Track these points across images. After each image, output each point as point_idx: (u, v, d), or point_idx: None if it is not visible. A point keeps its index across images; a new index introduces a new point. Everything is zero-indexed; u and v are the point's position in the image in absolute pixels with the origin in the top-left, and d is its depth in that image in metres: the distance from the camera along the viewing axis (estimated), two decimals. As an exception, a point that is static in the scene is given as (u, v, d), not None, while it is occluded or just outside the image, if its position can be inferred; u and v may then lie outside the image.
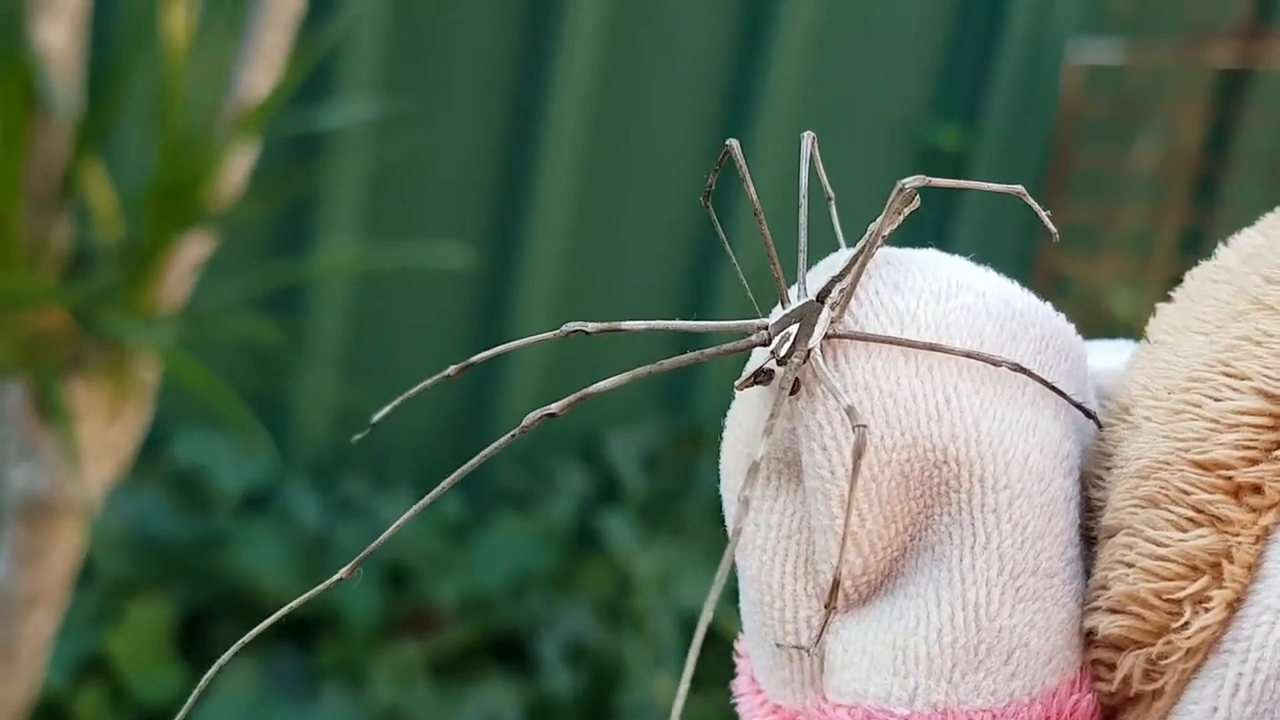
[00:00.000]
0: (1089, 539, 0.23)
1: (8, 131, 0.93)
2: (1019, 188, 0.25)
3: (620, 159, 1.71)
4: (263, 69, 1.01)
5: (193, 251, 1.04)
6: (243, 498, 1.72)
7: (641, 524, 1.80)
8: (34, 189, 0.98)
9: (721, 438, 0.24)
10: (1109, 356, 0.25)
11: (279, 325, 1.53)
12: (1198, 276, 0.24)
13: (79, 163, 0.98)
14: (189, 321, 1.04)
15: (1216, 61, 1.67)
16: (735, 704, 0.25)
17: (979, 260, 0.24)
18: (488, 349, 0.25)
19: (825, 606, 0.22)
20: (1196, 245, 1.76)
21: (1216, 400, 0.21)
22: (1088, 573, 0.22)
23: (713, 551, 1.77)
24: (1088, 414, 0.23)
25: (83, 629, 1.54)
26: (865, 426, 0.21)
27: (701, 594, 1.71)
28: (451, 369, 0.27)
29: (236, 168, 1.02)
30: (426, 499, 0.26)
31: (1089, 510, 0.23)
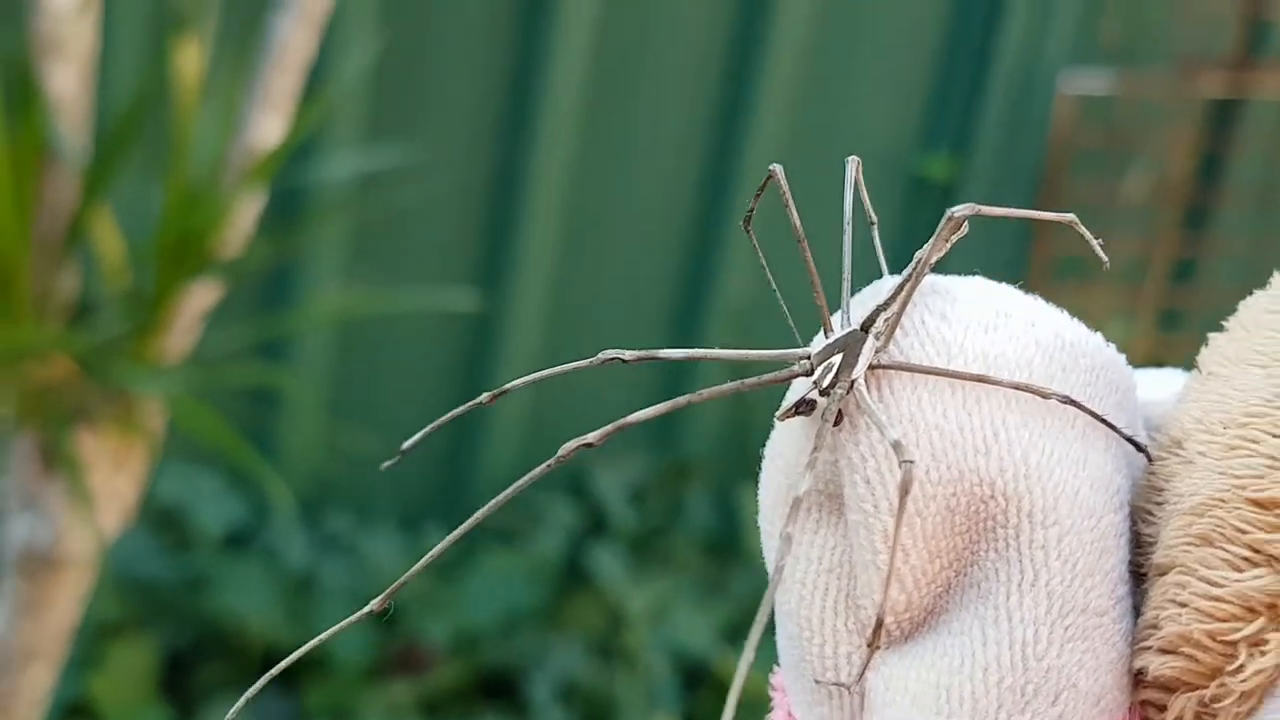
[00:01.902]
0: (1138, 575, 0.23)
1: (19, 180, 0.94)
2: (1071, 216, 0.25)
3: (606, 198, 1.73)
4: (272, 114, 1.02)
5: (199, 300, 1.05)
6: (225, 536, 1.73)
7: (631, 559, 1.82)
8: (41, 237, 0.99)
9: (760, 469, 0.24)
10: (1157, 387, 0.25)
11: (264, 364, 1.54)
12: (1252, 306, 0.24)
13: (87, 210, 0.99)
14: (196, 369, 1.05)
15: (1207, 91, 1.71)
16: None
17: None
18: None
19: (867, 644, 0.22)
20: (1189, 275, 1.79)
21: (1275, 436, 0.21)
22: (1137, 610, 0.22)
23: (704, 585, 1.78)
24: (1138, 448, 0.23)
25: (65, 672, 1.54)
26: (911, 461, 0.21)
27: (693, 630, 1.72)
28: (485, 396, 0.27)
29: (244, 216, 1.04)
30: (462, 528, 0.25)
31: (1138, 546, 0.22)
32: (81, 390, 1.02)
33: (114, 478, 1.06)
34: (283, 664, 0.25)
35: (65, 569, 1.05)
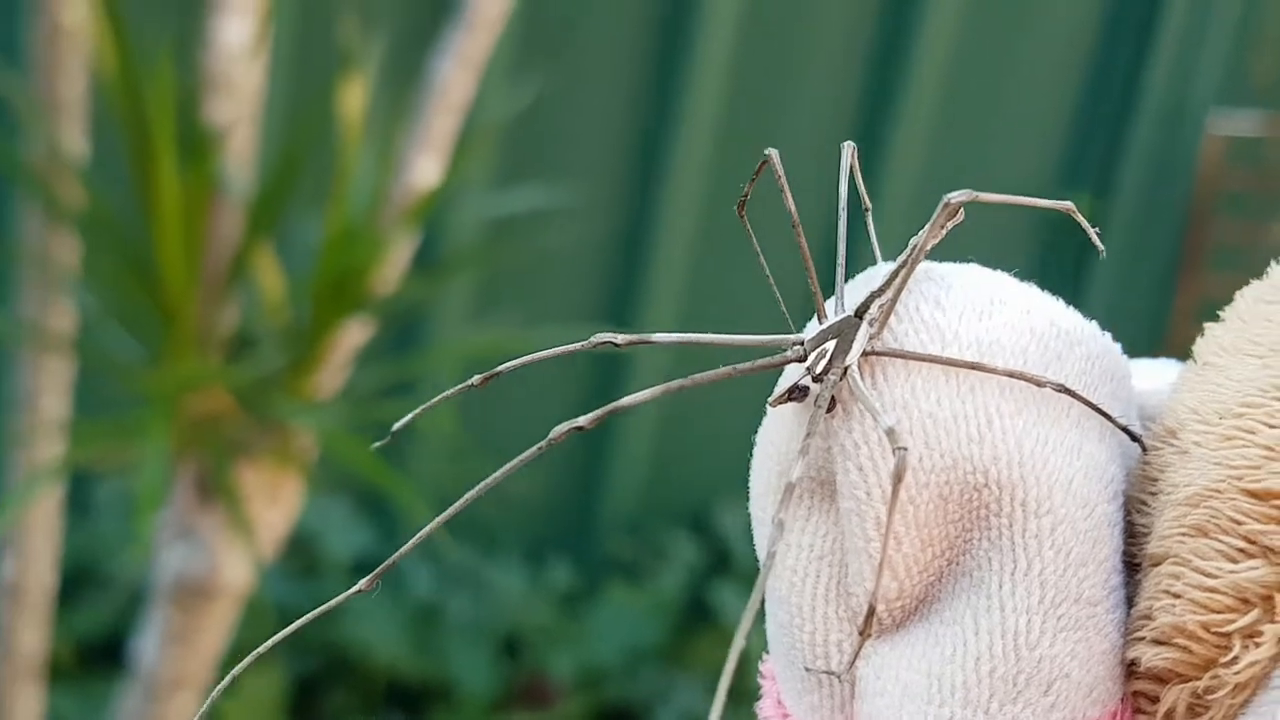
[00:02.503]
0: (1132, 566, 0.22)
1: (189, 216, 0.96)
2: (1068, 204, 0.25)
3: (738, 242, 1.73)
4: (430, 155, 1.04)
5: (353, 337, 1.07)
6: (353, 564, 1.75)
7: (755, 597, 1.81)
8: (205, 272, 1.01)
9: (751, 456, 0.24)
10: (1152, 377, 0.25)
11: (399, 401, 1.56)
12: (1249, 296, 0.24)
13: (250, 247, 1.01)
14: (347, 405, 1.07)
15: (1361, 134, 1.68)
16: None
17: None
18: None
19: (859, 632, 0.22)
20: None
21: (1271, 427, 0.21)
22: (1130, 601, 0.22)
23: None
24: (1133, 437, 0.23)
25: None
26: (905, 449, 0.21)
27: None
28: (476, 379, 0.27)
29: (398, 256, 1.05)
30: (449, 511, 0.26)
31: (1132, 537, 0.22)
32: (239, 423, 1.04)
33: (268, 510, 1.08)
34: (284, 632, 0.26)
35: (217, 599, 1.08)
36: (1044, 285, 0.25)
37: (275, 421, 1.03)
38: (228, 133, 1.01)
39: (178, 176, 0.96)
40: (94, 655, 1.57)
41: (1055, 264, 1.76)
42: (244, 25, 0.99)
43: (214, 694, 0.25)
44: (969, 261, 0.24)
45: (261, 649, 0.26)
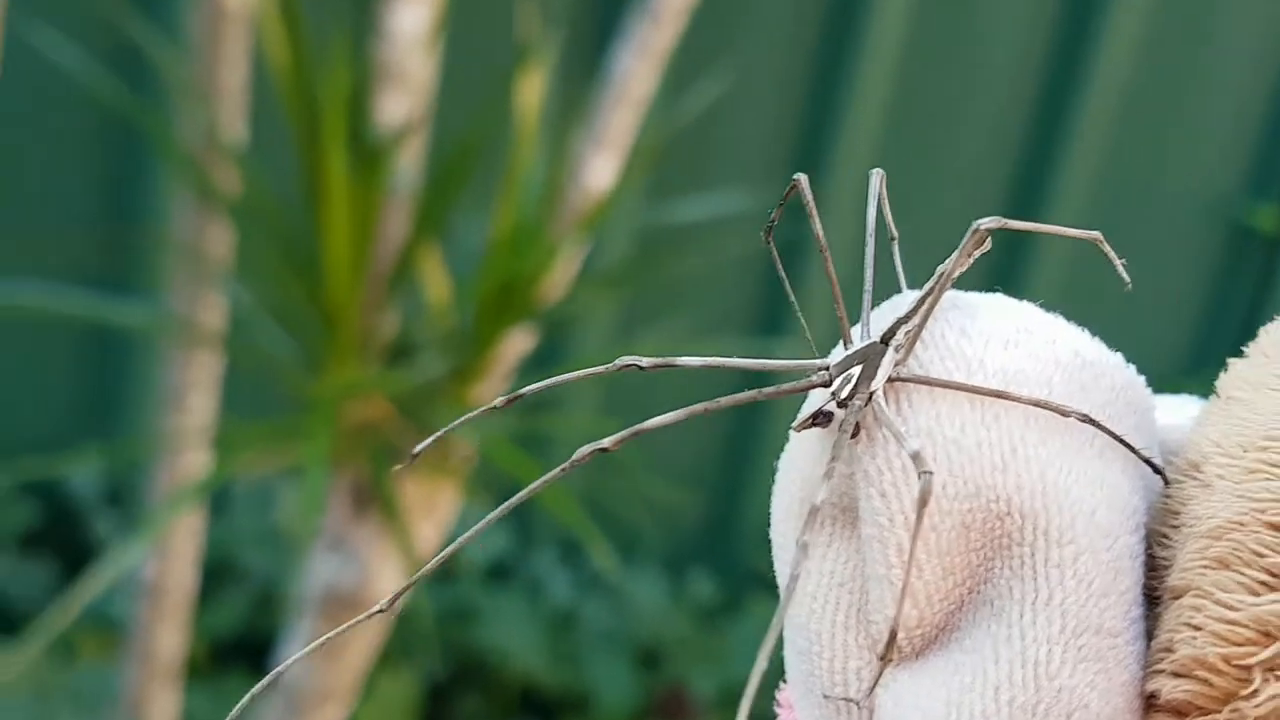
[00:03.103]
0: (1152, 599, 0.22)
1: (358, 214, 0.92)
2: (1096, 234, 0.24)
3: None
4: (607, 155, 0.99)
5: (516, 346, 1.02)
6: (489, 567, 1.71)
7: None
8: (369, 272, 0.97)
9: (774, 480, 0.24)
10: (1175, 412, 0.24)
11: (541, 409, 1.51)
12: (1273, 332, 0.24)
13: (417, 248, 0.97)
14: (508, 414, 1.03)
15: None
16: None
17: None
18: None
19: (879, 659, 0.22)
20: None
21: None
22: (1150, 634, 0.22)
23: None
24: (1156, 469, 0.23)
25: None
26: (929, 474, 0.21)
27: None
28: (499, 400, 0.28)
29: (570, 260, 1.01)
30: (486, 521, 0.26)
31: (1153, 569, 0.22)
32: (398, 431, 1.00)
33: (424, 521, 1.03)
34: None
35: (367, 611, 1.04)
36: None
37: (435, 431, 0.99)
38: (400, 127, 0.97)
39: (347, 172, 0.91)
40: (228, 653, 1.54)
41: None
42: (419, 14, 0.95)
43: None
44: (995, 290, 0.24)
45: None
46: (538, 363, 1.12)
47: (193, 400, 1.16)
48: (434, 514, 1.05)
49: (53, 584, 1.50)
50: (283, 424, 0.96)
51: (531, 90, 0.97)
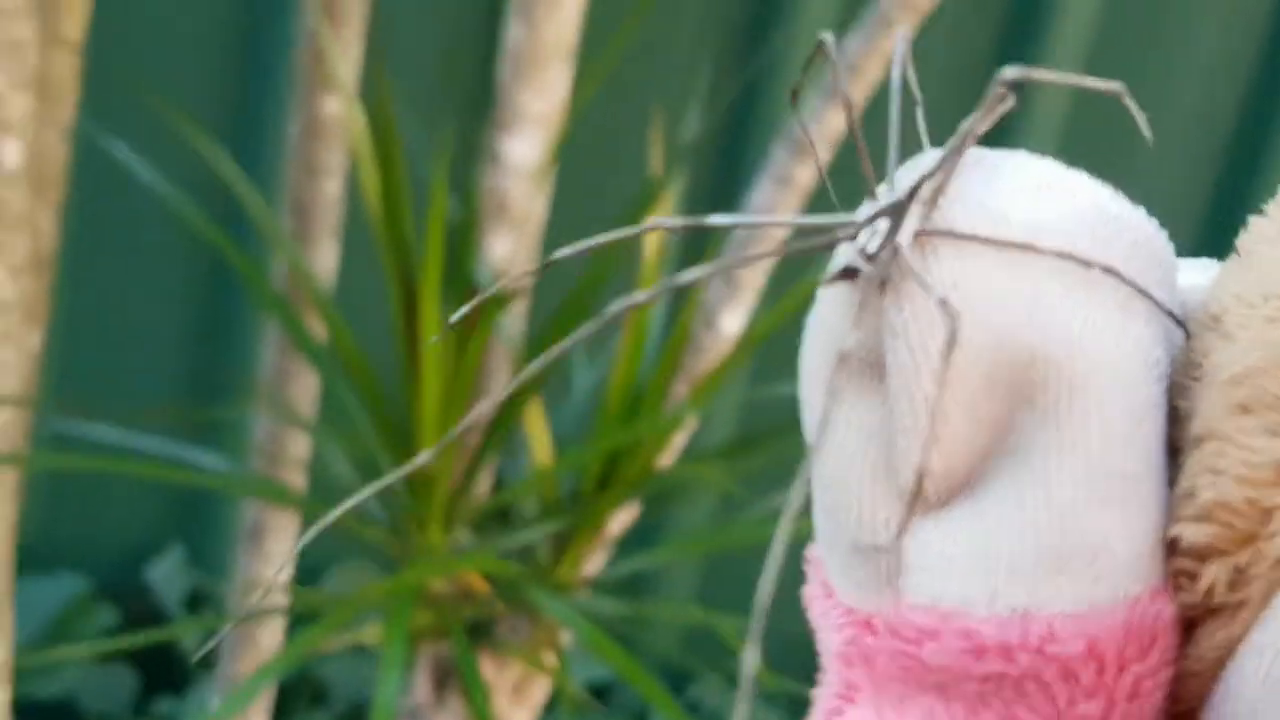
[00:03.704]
0: (1174, 450, 0.23)
1: (455, 365, 0.83)
2: (1118, 86, 0.24)
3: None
4: (739, 308, 0.89)
5: (621, 520, 0.92)
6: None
7: None
8: (466, 431, 0.87)
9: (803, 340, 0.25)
10: (1195, 273, 0.24)
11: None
12: None
13: (518, 401, 0.87)
14: (605, 595, 0.92)
15: None
16: (807, 610, 0.25)
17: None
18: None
19: (906, 508, 0.23)
20: None
21: None
22: (1172, 482, 0.23)
23: None
24: (1178, 321, 0.23)
25: None
26: (956, 322, 0.21)
27: None
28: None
29: (689, 427, 0.90)
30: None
31: (1175, 420, 0.23)
32: (489, 608, 0.89)
33: (512, 709, 0.93)
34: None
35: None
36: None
37: (530, 610, 0.88)
38: (501, 264, 0.88)
39: (440, 309, 0.82)
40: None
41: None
42: (532, 142, 0.86)
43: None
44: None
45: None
46: (638, 538, 1.02)
47: (272, 545, 1.07)
48: (524, 702, 0.94)
49: (133, 697, 1.42)
50: (363, 595, 0.86)
51: (653, 238, 0.88)
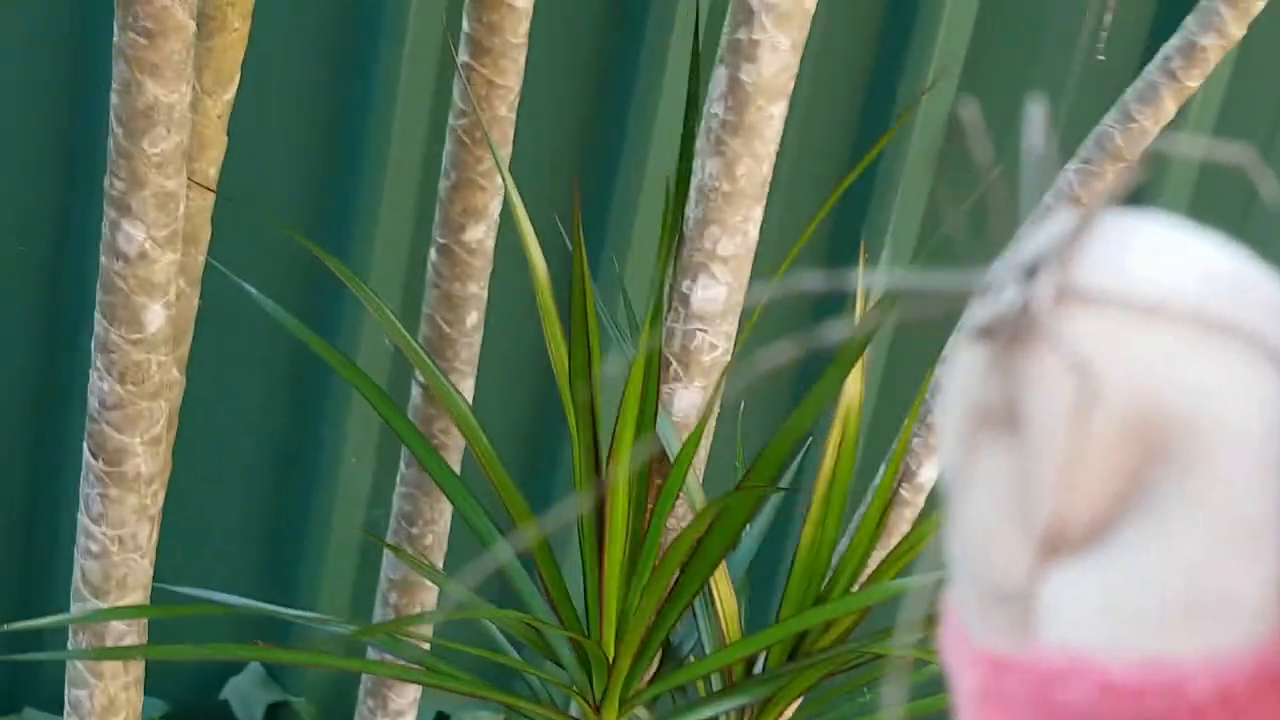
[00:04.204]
0: None
1: (642, 532, 0.74)
2: (1245, 154, 0.25)
3: None
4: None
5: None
6: None
7: None
8: (644, 603, 0.79)
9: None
10: None
11: None
12: None
13: (699, 564, 0.78)
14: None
15: None
16: (941, 654, 0.25)
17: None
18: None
19: (1039, 555, 0.23)
20: None
21: None
22: None
23: None
24: None
25: None
26: (1091, 381, 0.22)
27: None
28: None
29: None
30: None
31: None
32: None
33: None
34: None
35: None
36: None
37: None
38: (684, 419, 0.79)
39: (631, 483, 0.74)
40: None
41: None
42: (722, 285, 0.78)
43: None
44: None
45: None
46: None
47: (396, 701, 0.99)
48: None
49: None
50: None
51: (855, 382, 0.79)
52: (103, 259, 0.69)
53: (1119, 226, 0.24)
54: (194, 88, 0.70)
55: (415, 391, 0.95)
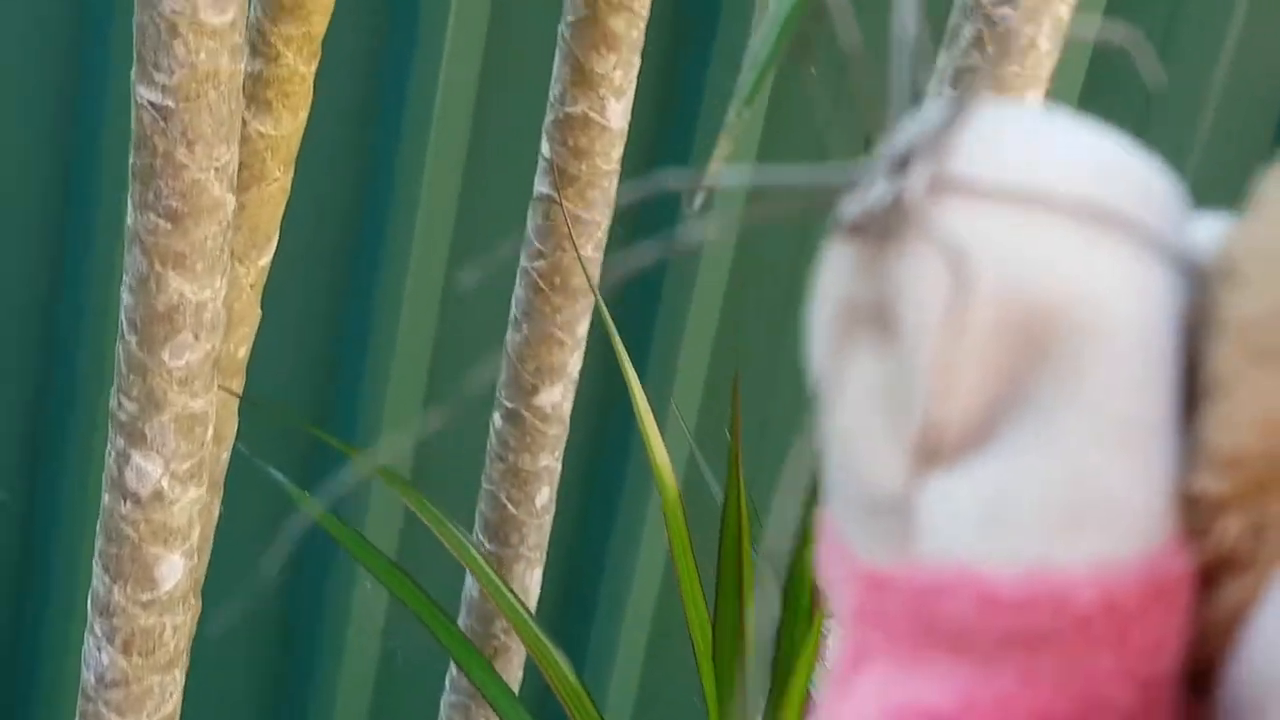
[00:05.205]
0: (1191, 402, 0.22)
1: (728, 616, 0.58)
2: (1129, 33, 0.25)
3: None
4: None
5: None
6: None
7: None
8: None
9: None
10: (1213, 226, 0.24)
11: None
12: None
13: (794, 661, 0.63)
14: None
15: None
16: (819, 570, 0.25)
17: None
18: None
19: (917, 462, 0.22)
20: None
21: None
22: (1188, 433, 0.22)
23: None
24: (1191, 271, 0.23)
25: None
26: (965, 276, 0.22)
27: None
28: None
29: None
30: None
31: (1191, 372, 0.22)
32: None
33: None
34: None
35: None
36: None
37: None
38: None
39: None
40: None
41: None
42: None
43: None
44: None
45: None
46: None
47: None
48: None
49: None
50: None
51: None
52: (105, 497, 0.53)
53: (995, 115, 0.23)
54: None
55: (469, 583, 0.79)
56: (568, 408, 0.77)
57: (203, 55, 0.48)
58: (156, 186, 0.49)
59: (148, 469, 0.52)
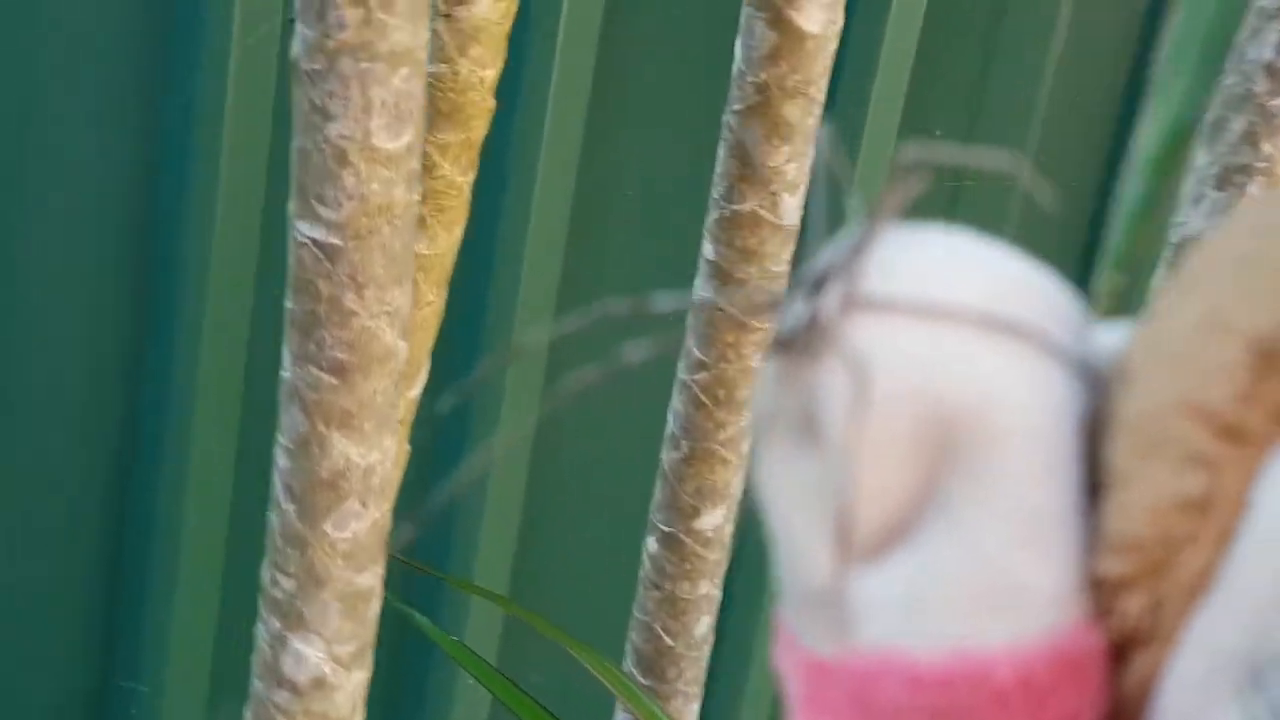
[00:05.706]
0: (1092, 492, 0.24)
1: None
2: (1014, 161, 0.27)
3: None
4: None
5: None
6: None
7: None
8: None
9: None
10: (1109, 337, 0.26)
11: None
12: (1207, 246, 0.26)
13: None
14: None
15: None
16: (776, 661, 0.26)
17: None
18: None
19: (842, 557, 0.24)
20: None
21: (1207, 352, 0.24)
22: (1092, 524, 0.24)
23: None
24: (1091, 378, 0.25)
25: None
26: (876, 386, 0.23)
27: None
28: None
29: None
30: None
31: (1094, 469, 0.24)
32: None
33: None
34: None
35: None
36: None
37: None
38: None
39: None
40: None
41: None
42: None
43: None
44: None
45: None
46: None
47: None
48: None
49: None
50: None
51: None
52: (256, 683, 0.46)
53: (905, 238, 0.25)
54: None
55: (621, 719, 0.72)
56: (729, 531, 0.70)
57: (375, 185, 0.41)
58: (319, 336, 0.42)
59: (307, 653, 0.45)
